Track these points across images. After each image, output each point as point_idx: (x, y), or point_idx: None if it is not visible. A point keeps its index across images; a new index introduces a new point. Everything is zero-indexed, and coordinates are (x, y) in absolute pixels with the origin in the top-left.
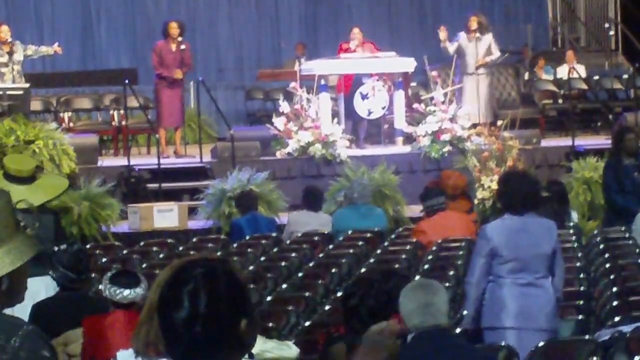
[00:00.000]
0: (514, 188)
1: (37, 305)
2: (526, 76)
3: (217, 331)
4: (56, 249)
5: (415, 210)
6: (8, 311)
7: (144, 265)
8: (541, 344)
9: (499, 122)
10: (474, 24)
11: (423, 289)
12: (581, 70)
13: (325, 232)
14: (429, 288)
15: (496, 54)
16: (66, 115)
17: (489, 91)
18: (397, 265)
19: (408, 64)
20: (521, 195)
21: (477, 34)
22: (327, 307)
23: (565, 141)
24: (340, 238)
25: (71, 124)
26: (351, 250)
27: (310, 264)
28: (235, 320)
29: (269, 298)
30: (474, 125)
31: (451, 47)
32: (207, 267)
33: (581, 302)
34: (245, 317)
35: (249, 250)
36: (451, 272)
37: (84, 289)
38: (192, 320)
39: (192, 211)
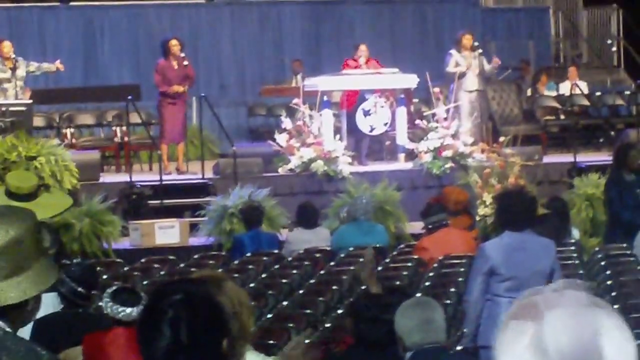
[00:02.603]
0: (510, 205)
1: (38, 321)
2: (528, 92)
3: (200, 357)
4: (67, 262)
5: (416, 226)
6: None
7: (145, 282)
8: None
9: (501, 139)
10: (469, 42)
11: (421, 306)
12: (583, 87)
13: (327, 249)
14: (427, 305)
15: (487, 66)
16: (68, 132)
17: (483, 110)
18: (398, 282)
19: (410, 81)
20: (518, 212)
21: (472, 52)
22: (328, 324)
23: (567, 157)
24: (342, 255)
25: (73, 140)
26: (352, 267)
27: (311, 281)
28: (217, 342)
29: (269, 315)
30: (475, 142)
31: (453, 67)
32: (186, 293)
33: None
34: (227, 337)
35: (250, 267)
36: (452, 289)
37: (86, 305)
38: (174, 349)
39: (193, 228)
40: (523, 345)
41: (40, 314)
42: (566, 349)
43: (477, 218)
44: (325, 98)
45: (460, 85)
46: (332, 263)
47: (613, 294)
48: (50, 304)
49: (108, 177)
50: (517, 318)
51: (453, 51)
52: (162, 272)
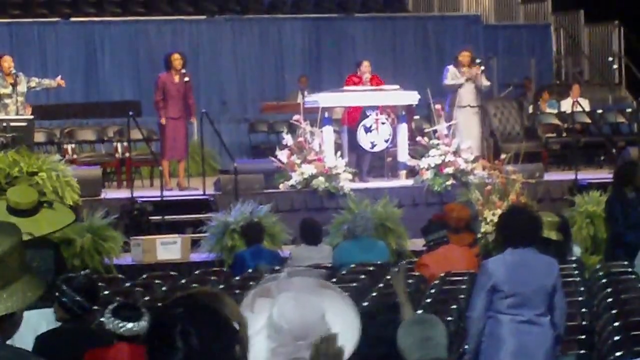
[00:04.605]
0: (513, 223)
1: (39, 337)
2: (530, 110)
3: None
4: (69, 275)
5: (417, 243)
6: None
7: (146, 298)
8: None
9: (502, 156)
10: (467, 59)
11: (421, 323)
12: (585, 104)
13: (328, 266)
14: (427, 322)
15: (486, 82)
16: (70, 147)
17: (481, 126)
18: (399, 299)
19: (411, 97)
20: (520, 230)
21: (469, 68)
22: None
23: (568, 175)
24: (343, 271)
25: (75, 156)
26: (353, 284)
27: None
28: (230, 348)
29: None
30: (475, 158)
31: (452, 80)
32: (186, 305)
33: (583, 337)
34: (237, 342)
35: (252, 283)
36: (454, 306)
37: (88, 321)
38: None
39: (195, 244)
40: (262, 323)
41: (37, 330)
42: (294, 325)
43: (479, 236)
44: (326, 114)
45: (454, 101)
46: (333, 280)
47: (614, 311)
48: (46, 320)
49: (109, 193)
50: (258, 299)
51: (450, 67)
52: (163, 288)
